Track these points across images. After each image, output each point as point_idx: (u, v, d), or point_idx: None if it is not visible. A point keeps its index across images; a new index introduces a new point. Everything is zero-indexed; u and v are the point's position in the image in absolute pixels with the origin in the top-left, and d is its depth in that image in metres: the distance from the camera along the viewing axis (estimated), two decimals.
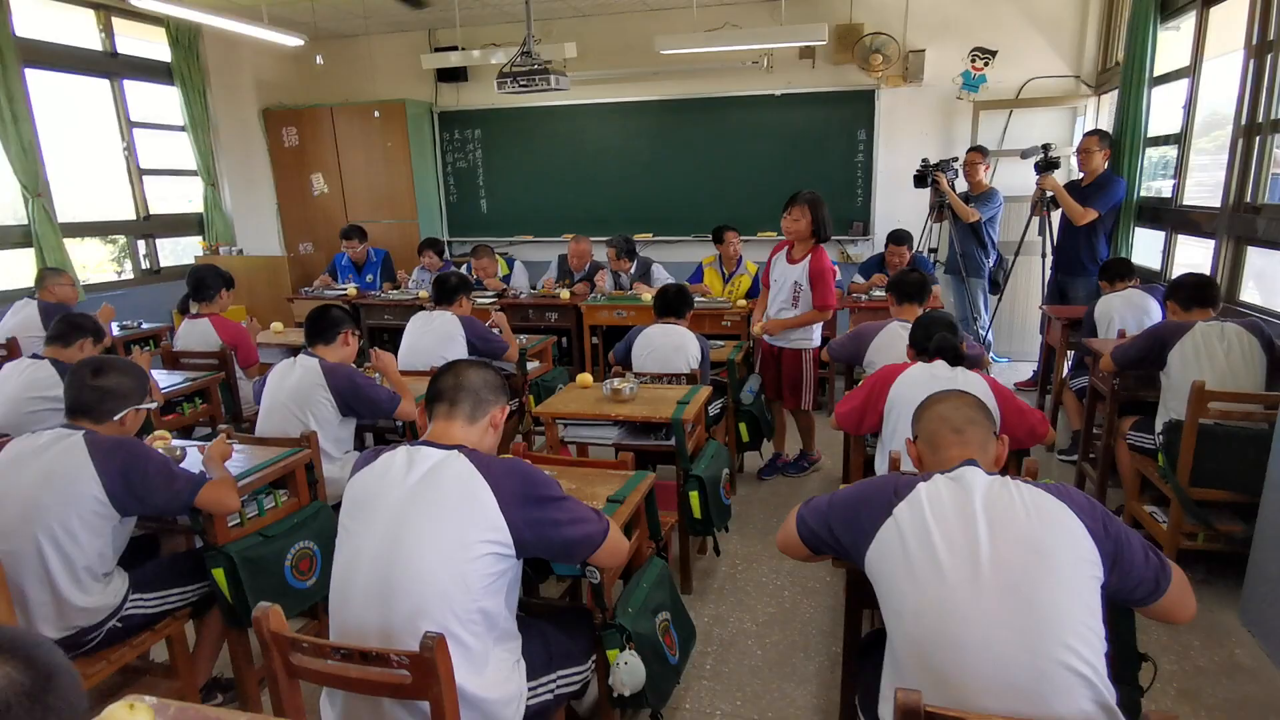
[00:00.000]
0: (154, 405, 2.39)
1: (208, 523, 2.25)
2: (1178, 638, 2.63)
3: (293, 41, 5.78)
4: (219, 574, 2.22)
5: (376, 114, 7.06)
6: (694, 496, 2.83)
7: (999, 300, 5.58)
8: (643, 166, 6.84)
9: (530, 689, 1.68)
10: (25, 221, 5.58)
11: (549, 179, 7.11)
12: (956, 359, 2.41)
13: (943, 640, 1.31)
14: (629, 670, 1.88)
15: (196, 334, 4.10)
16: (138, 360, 3.66)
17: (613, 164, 6.90)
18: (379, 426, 3.36)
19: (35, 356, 3.13)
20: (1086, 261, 4.69)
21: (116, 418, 2.14)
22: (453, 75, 7.17)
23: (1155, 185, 4.91)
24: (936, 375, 2.36)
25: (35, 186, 5.54)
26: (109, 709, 1.27)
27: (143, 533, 2.53)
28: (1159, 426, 2.97)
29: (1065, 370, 4.28)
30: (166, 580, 2.24)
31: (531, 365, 4.29)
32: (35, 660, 0.84)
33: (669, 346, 3.56)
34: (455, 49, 6.39)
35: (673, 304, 3.68)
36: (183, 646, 2.28)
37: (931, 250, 5.63)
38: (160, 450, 2.28)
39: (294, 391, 2.88)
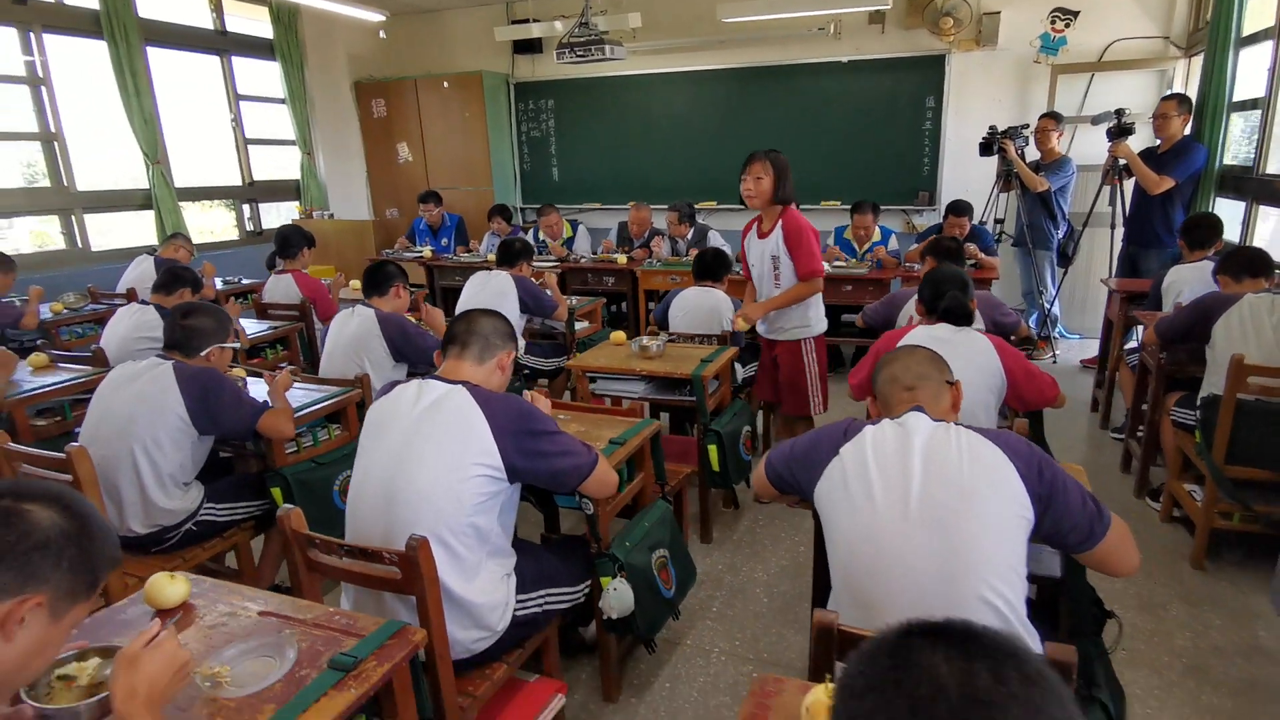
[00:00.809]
0: (237, 345, 2.72)
1: (269, 448, 2.58)
2: (1198, 615, 2.58)
3: (374, 17, 6.12)
4: (276, 492, 2.54)
5: (445, 84, 7.37)
6: (713, 450, 2.96)
7: (1064, 274, 5.37)
8: (709, 135, 6.89)
9: (519, 600, 1.87)
10: (146, 186, 6.19)
11: (617, 148, 7.25)
12: (963, 320, 2.42)
13: (870, 569, 1.41)
14: (617, 596, 2.06)
15: (281, 288, 4.51)
16: (229, 309, 4.09)
17: (679, 133, 6.97)
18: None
19: (143, 303, 3.59)
20: (1161, 233, 4.47)
21: (203, 353, 2.48)
22: (528, 47, 7.39)
23: (1239, 153, 4.59)
24: (936, 337, 2.38)
25: (155, 154, 6.13)
26: (154, 577, 1.55)
27: (221, 456, 2.91)
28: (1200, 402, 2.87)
29: (1121, 348, 4.12)
30: (235, 495, 2.57)
31: (581, 325, 4.48)
32: (73, 507, 1.07)
33: (704, 308, 3.67)
34: (529, 21, 6.58)
35: (710, 267, 3.78)
36: (248, 554, 2.62)
37: (998, 221, 5.46)
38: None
39: (352, 338, 3.18)
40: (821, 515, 1.56)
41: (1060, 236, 5.23)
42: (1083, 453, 3.97)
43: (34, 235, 5.90)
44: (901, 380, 1.61)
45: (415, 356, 3.24)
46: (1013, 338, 3.46)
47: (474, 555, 1.79)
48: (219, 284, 5.49)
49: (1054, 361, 5.47)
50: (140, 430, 2.32)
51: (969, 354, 2.34)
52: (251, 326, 4.16)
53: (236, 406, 2.43)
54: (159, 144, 6.17)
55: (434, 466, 1.74)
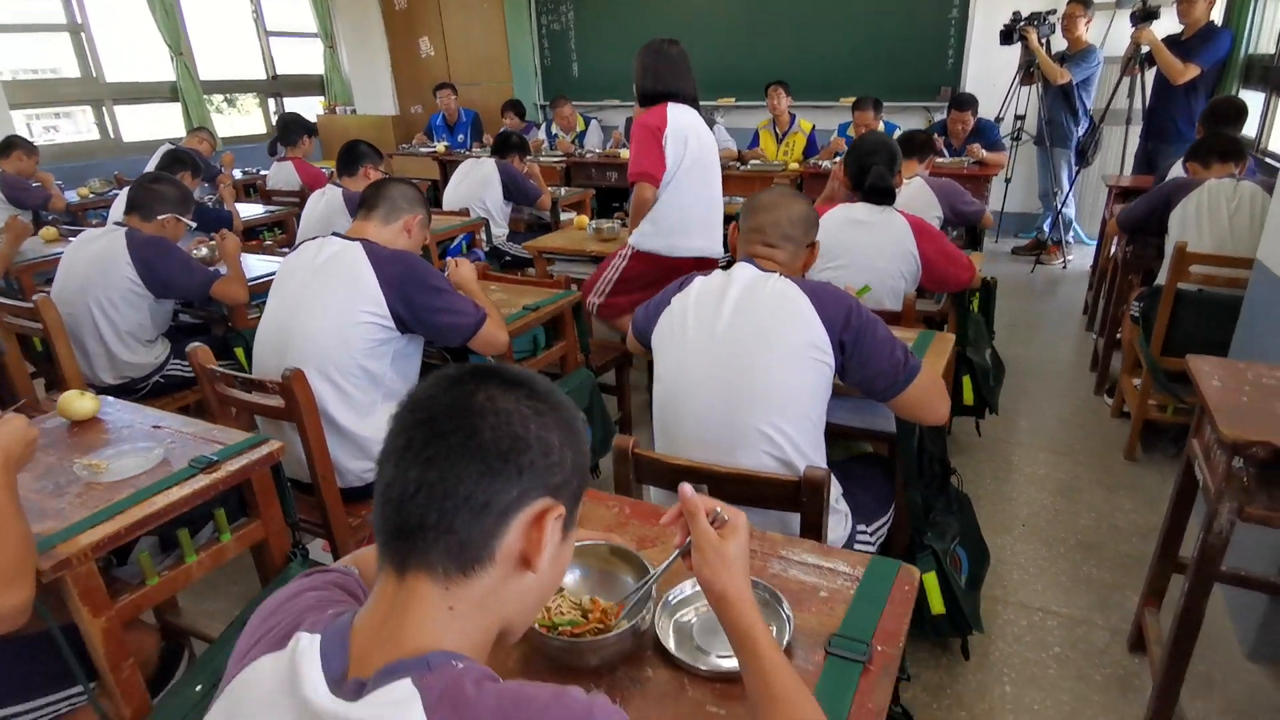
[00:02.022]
0: (193, 224, 2.91)
1: (231, 312, 2.80)
2: (1111, 499, 2.62)
3: None
4: (239, 352, 2.77)
5: None
6: None
7: (1079, 172, 5.12)
8: (728, 29, 6.65)
9: None
10: (173, 78, 6.40)
11: (637, 42, 7.05)
12: (884, 198, 2.40)
13: (673, 400, 1.51)
14: None
15: (283, 174, 4.71)
16: (225, 193, 4.30)
17: (699, 27, 6.74)
18: None
19: None
20: (1183, 127, 4.22)
21: (159, 218, 2.68)
22: None
23: (1266, 42, 4.22)
24: (854, 218, 2.38)
25: (178, 45, 6.31)
26: (66, 393, 1.78)
27: (198, 321, 3.17)
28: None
29: (1113, 250, 3.96)
30: None
31: (569, 216, 4.55)
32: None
33: None
34: None
35: None
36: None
37: (1018, 117, 5.21)
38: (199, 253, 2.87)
39: (321, 216, 3.35)
40: (654, 359, 1.66)
41: (1080, 134, 4.97)
42: (1060, 352, 3.92)
43: (74, 122, 6.21)
44: (766, 235, 1.57)
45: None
46: (978, 228, 3.41)
47: (366, 395, 1.96)
48: (238, 174, 5.73)
49: (1064, 267, 5.30)
50: (96, 290, 2.54)
51: (883, 238, 2.34)
52: (252, 210, 4.39)
53: (186, 273, 2.63)
54: (181, 35, 6.33)
55: (323, 312, 1.91)
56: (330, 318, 1.91)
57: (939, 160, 4.55)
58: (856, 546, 1.54)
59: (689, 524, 0.86)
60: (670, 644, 0.93)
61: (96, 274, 2.55)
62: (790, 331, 1.44)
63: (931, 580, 1.79)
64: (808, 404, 1.45)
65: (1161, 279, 2.75)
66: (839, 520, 1.51)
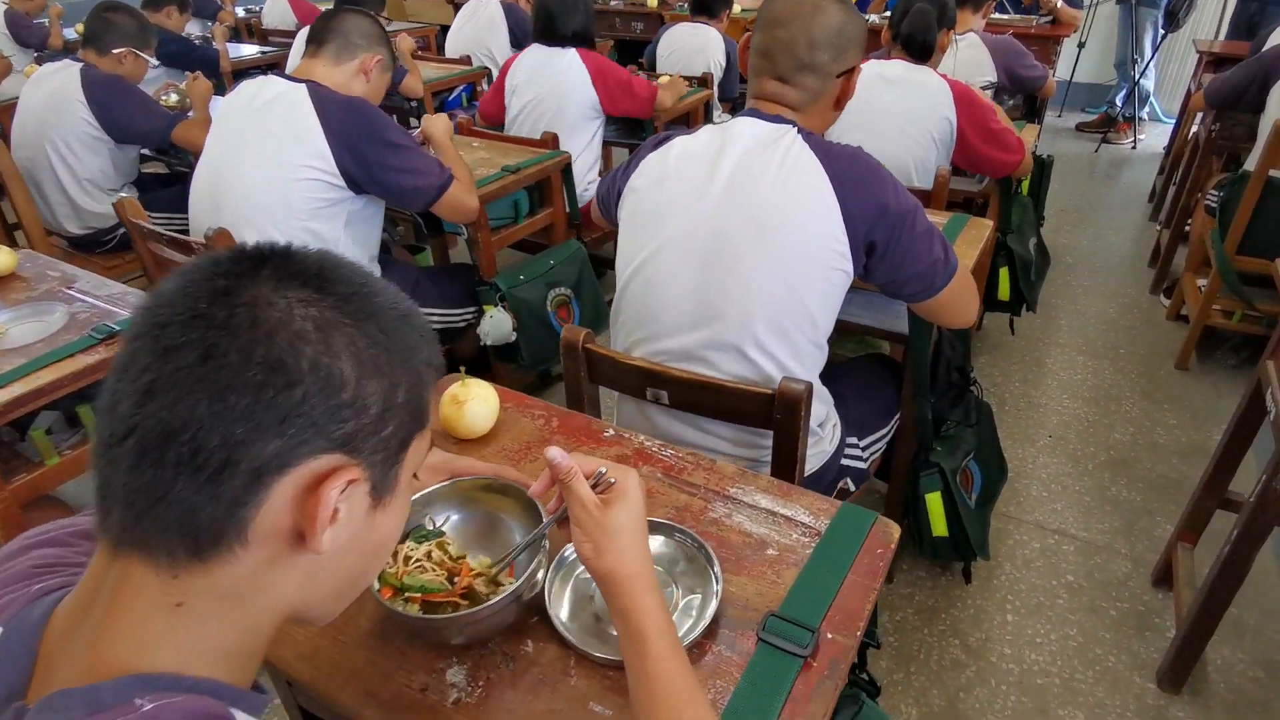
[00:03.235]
0: (153, 62, 2.61)
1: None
2: (1153, 412, 2.36)
3: None
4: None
5: None
6: None
7: (1164, 38, 4.47)
8: None
9: None
10: None
11: None
12: (920, 54, 2.01)
13: (639, 291, 1.24)
14: (492, 324, 2.02)
15: (277, 12, 4.31)
16: (218, 31, 3.92)
17: None
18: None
19: None
20: None
21: (115, 51, 2.39)
22: None
23: None
24: (885, 76, 2.00)
25: None
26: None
27: (173, 173, 2.94)
28: None
29: (1194, 128, 3.47)
30: (173, 205, 2.60)
31: None
32: None
33: (691, 48, 3.26)
34: None
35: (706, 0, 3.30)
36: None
37: None
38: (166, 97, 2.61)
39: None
40: (618, 237, 1.38)
41: None
42: (1117, 243, 3.53)
43: None
44: (775, 64, 1.17)
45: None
46: (1036, 98, 2.97)
47: None
48: (241, 11, 5.29)
49: (1133, 147, 4.76)
50: (52, 133, 2.32)
51: (915, 101, 1.97)
52: (242, 50, 4.03)
53: (145, 115, 2.38)
54: None
55: (261, 165, 1.67)
56: (268, 171, 1.66)
57: (1002, 17, 3.97)
58: (844, 463, 1.32)
59: (563, 493, 0.65)
60: (562, 613, 0.73)
61: (51, 115, 2.32)
62: (799, 222, 1.11)
63: (935, 501, 1.58)
64: (810, 316, 1.15)
65: (1250, 165, 2.35)
66: (827, 433, 1.28)
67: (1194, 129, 3.30)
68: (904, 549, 1.83)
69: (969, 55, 2.74)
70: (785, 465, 1.12)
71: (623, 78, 2.57)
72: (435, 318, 1.99)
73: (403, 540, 0.72)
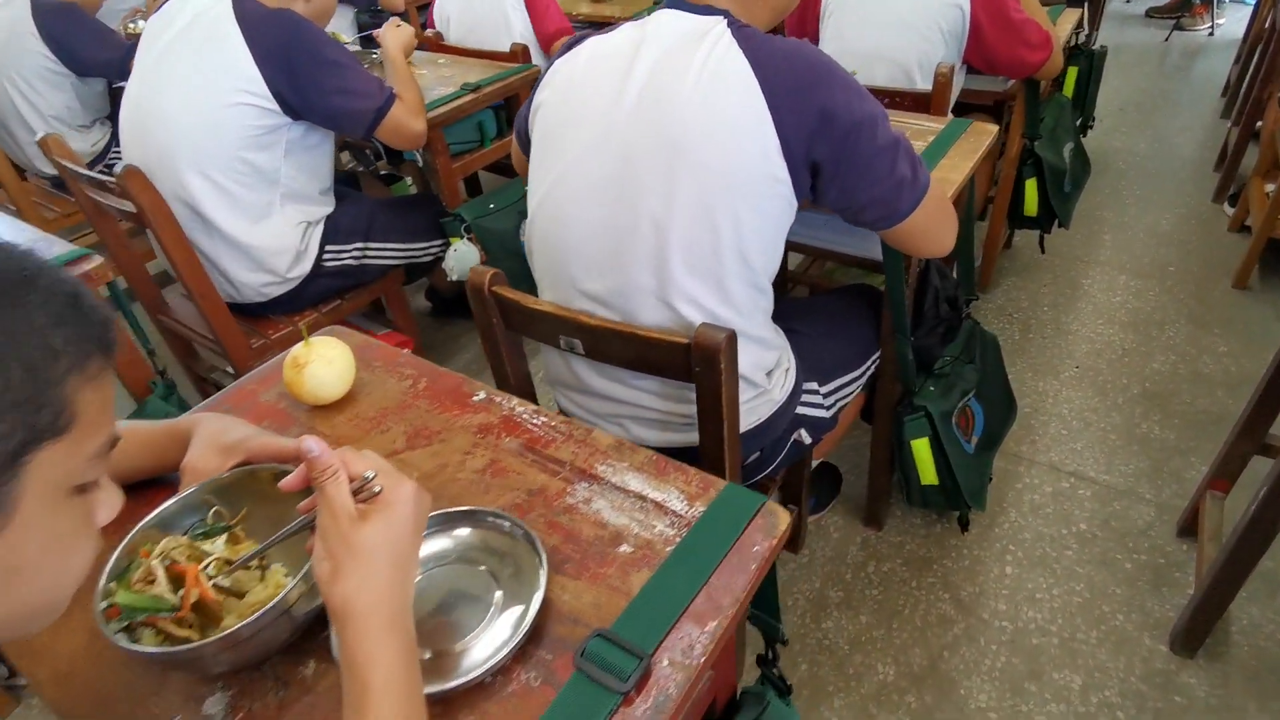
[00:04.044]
0: None
1: None
2: (1200, 338, 2.10)
3: None
4: None
5: None
6: None
7: None
8: None
9: (329, 250, 1.74)
10: None
11: None
12: None
13: (547, 223, 1.07)
14: (457, 257, 1.89)
15: None
16: None
17: None
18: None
19: None
20: None
21: None
22: None
23: None
24: None
25: None
26: None
27: None
28: None
29: (1275, 10, 3.00)
30: None
31: None
32: None
33: None
34: None
35: None
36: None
37: None
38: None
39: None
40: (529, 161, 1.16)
41: None
42: (1179, 144, 3.15)
43: None
44: None
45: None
46: None
47: (258, 196, 1.62)
48: None
49: (1210, 34, 4.23)
50: (10, 70, 2.24)
51: None
52: None
53: (100, 47, 2.27)
54: None
55: (185, 92, 1.53)
56: (192, 99, 1.52)
57: None
58: (803, 411, 1.16)
59: (316, 494, 0.53)
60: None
61: (5, 52, 2.22)
62: (720, 140, 0.91)
63: (923, 447, 1.42)
64: (740, 254, 0.97)
65: None
66: (777, 380, 1.12)
67: (1274, 10, 2.86)
68: (895, 494, 1.68)
69: None
70: (710, 423, 0.97)
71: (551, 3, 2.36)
72: (394, 252, 1.86)
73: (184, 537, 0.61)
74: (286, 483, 0.57)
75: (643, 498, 0.71)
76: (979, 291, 2.35)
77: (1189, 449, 1.78)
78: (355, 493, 0.52)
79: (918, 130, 1.42)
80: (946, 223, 1.07)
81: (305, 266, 1.69)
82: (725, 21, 0.95)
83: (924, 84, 1.71)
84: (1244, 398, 1.89)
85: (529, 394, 1.20)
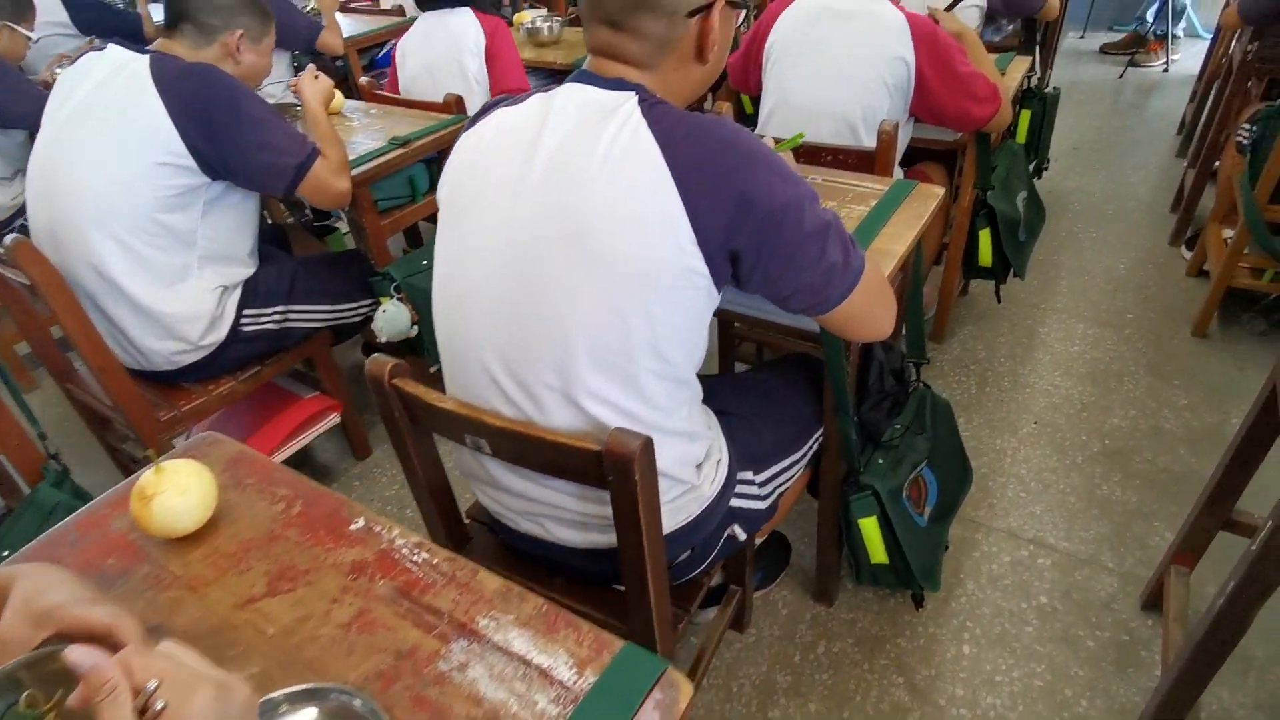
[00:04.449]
0: (33, 37, 2.39)
1: None
2: (1161, 390, 2.06)
3: None
4: None
5: None
6: None
7: None
8: None
9: (248, 315, 1.63)
10: None
11: None
12: None
13: (450, 305, 0.97)
14: (387, 318, 1.79)
15: None
16: None
17: None
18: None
19: None
20: None
21: None
22: None
23: None
24: (832, 7, 1.67)
25: None
26: None
27: None
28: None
29: (1231, 48, 3.03)
30: None
31: (536, 13, 3.77)
32: None
33: None
34: None
35: None
36: None
37: None
38: None
39: None
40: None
41: None
42: (1135, 184, 3.14)
43: None
44: (604, 7, 0.87)
45: (287, 38, 2.77)
46: (1036, 22, 2.59)
47: (172, 259, 1.53)
48: None
49: (1165, 70, 4.28)
50: None
51: (868, 33, 1.65)
52: None
53: (17, 99, 2.17)
54: None
55: (98, 154, 1.45)
56: (106, 159, 1.45)
57: None
58: (737, 504, 1.08)
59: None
60: None
61: None
62: (628, 231, 0.82)
63: (871, 526, 1.34)
64: (656, 350, 0.88)
65: None
66: (707, 474, 1.03)
67: (1229, 49, 2.88)
68: (847, 568, 1.59)
69: None
70: (628, 529, 0.88)
71: (513, 58, 2.28)
72: (319, 315, 1.76)
73: None
74: (71, 700, 0.46)
75: (527, 662, 0.62)
76: (934, 342, 2.29)
77: (1151, 512, 1.72)
78: (141, 711, 0.43)
79: (860, 193, 1.36)
80: (883, 306, 1.00)
81: (220, 333, 1.58)
82: (636, 98, 0.87)
83: (869, 139, 1.66)
84: (1206, 455, 1.86)
85: (443, 489, 1.10)
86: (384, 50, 3.03)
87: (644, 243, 0.83)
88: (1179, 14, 4.24)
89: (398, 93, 2.35)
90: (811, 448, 1.26)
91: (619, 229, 0.83)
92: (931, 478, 1.46)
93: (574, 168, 0.85)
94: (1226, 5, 3.27)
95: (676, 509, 1.00)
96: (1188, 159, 3.09)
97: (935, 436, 1.46)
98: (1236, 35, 2.69)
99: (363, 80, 2.21)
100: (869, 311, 0.97)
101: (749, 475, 1.11)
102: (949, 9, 1.94)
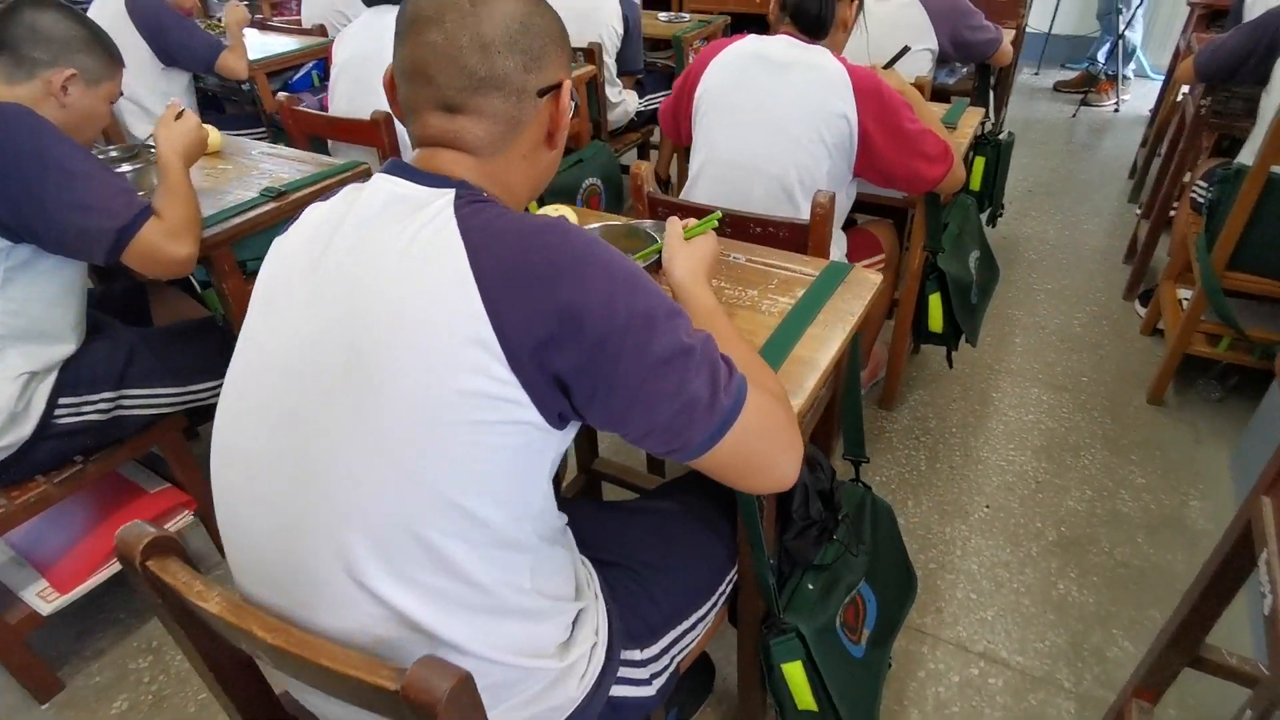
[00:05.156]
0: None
1: None
2: (1119, 467, 1.92)
3: None
4: None
5: None
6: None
7: None
8: None
9: (66, 404, 1.37)
10: None
11: None
12: (814, 28, 1.50)
13: (219, 455, 0.75)
14: None
15: None
16: None
17: None
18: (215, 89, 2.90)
19: None
20: None
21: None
22: None
23: None
24: (766, 56, 1.49)
25: None
26: None
27: None
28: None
29: (1181, 95, 2.94)
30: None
31: None
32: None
33: (580, 13, 2.71)
34: None
35: None
36: None
37: None
38: None
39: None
40: None
41: None
42: (1088, 231, 3.04)
43: None
44: (435, 85, 0.71)
45: (183, 57, 2.51)
46: (990, 67, 2.46)
47: None
48: None
49: (1116, 110, 4.24)
50: None
51: (805, 86, 1.47)
52: None
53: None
54: None
55: None
56: None
57: None
58: (615, 694, 0.86)
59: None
60: None
61: None
62: (424, 355, 0.64)
63: (796, 671, 1.14)
64: (471, 511, 0.67)
65: (1247, 155, 1.87)
66: (576, 664, 0.82)
67: (1180, 96, 2.78)
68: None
69: (903, 16, 2.24)
70: None
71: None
72: (163, 399, 1.49)
73: None
74: None
75: None
76: (884, 409, 2.13)
77: (1109, 615, 1.56)
78: None
79: (786, 279, 1.17)
80: (775, 449, 0.78)
81: (23, 430, 1.31)
82: (454, 193, 0.69)
83: (806, 203, 1.48)
84: (1165, 546, 1.71)
85: (241, 675, 0.87)
86: (299, 73, 2.78)
87: (432, 364, 0.63)
88: (1129, 55, 4.20)
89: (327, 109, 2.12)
90: (724, 592, 1.06)
91: (403, 343, 0.64)
92: (871, 596, 1.28)
93: (363, 273, 0.67)
94: (1177, 54, 3.21)
95: (526, 716, 0.78)
96: (1141, 208, 3.00)
97: (875, 548, 1.28)
98: (1190, 89, 2.60)
99: (280, 96, 1.96)
100: (755, 456, 0.76)
101: (634, 654, 0.90)
102: (890, 64, 1.78)
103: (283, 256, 0.76)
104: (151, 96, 2.51)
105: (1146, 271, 2.59)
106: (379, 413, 0.64)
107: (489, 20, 0.70)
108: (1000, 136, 2.48)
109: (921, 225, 1.80)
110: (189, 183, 1.41)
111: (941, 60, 2.35)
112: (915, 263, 1.86)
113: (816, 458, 1.11)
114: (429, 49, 0.70)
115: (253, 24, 2.99)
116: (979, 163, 2.49)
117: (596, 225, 1.13)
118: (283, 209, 1.56)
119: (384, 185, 0.71)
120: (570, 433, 0.74)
